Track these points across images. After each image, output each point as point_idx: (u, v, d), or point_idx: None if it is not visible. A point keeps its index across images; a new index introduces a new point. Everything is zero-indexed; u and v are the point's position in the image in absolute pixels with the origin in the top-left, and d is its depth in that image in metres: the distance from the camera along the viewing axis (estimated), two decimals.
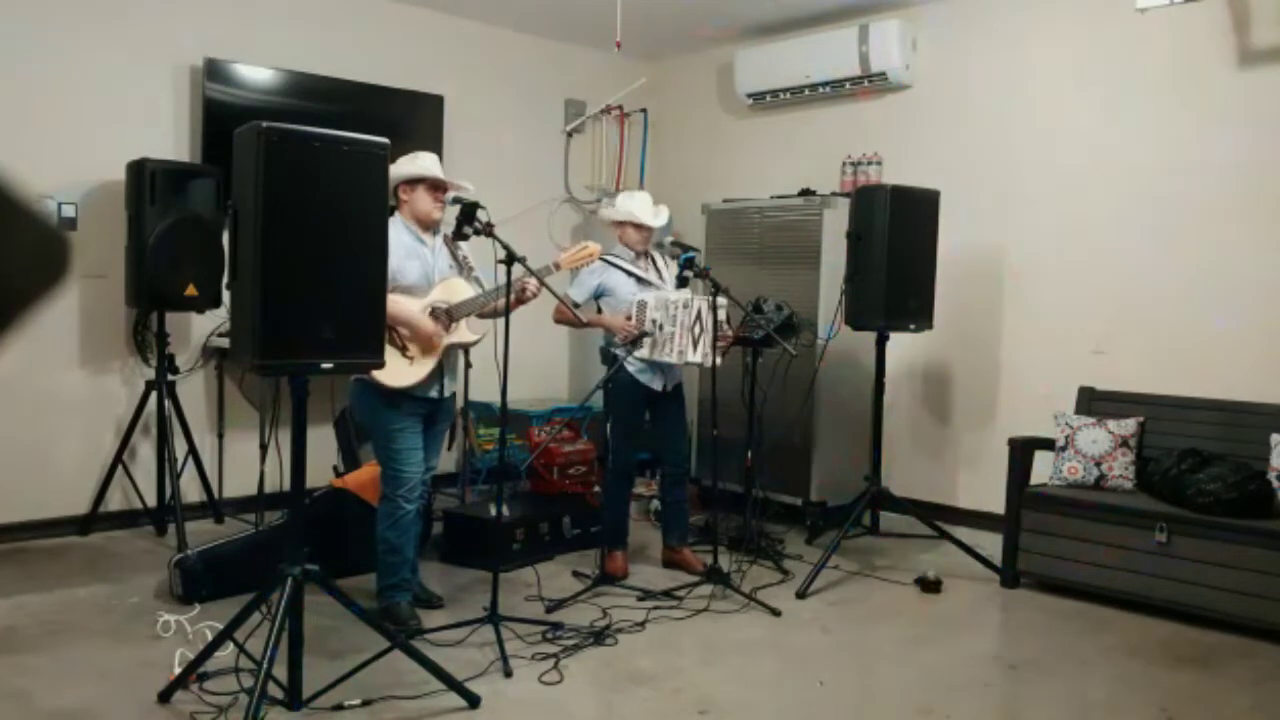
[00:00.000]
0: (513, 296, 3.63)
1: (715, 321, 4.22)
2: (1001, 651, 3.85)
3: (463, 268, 3.90)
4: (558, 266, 3.90)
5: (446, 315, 3.73)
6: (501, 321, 3.53)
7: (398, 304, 3.57)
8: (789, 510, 5.42)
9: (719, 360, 4.29)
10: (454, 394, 4.03)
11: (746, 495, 4.71)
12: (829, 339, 5.01)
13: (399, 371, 3.61)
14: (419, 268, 3.73)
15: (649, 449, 4.96)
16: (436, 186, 3.80)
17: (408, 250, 3.70)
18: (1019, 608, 4.28)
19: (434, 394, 3.80)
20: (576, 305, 4.38)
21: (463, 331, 3.81)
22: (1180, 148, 4.80)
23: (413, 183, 3.77)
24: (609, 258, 4.45)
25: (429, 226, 3.83)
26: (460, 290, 3.79)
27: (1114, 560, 4.17)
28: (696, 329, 4.23)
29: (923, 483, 5.64)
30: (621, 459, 4.49)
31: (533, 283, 3.71)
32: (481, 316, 3.87)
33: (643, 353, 4.27)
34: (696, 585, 4.26)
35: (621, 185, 6.87)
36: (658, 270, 4.56)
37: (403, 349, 3.66)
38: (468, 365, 4.67)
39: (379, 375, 3.57)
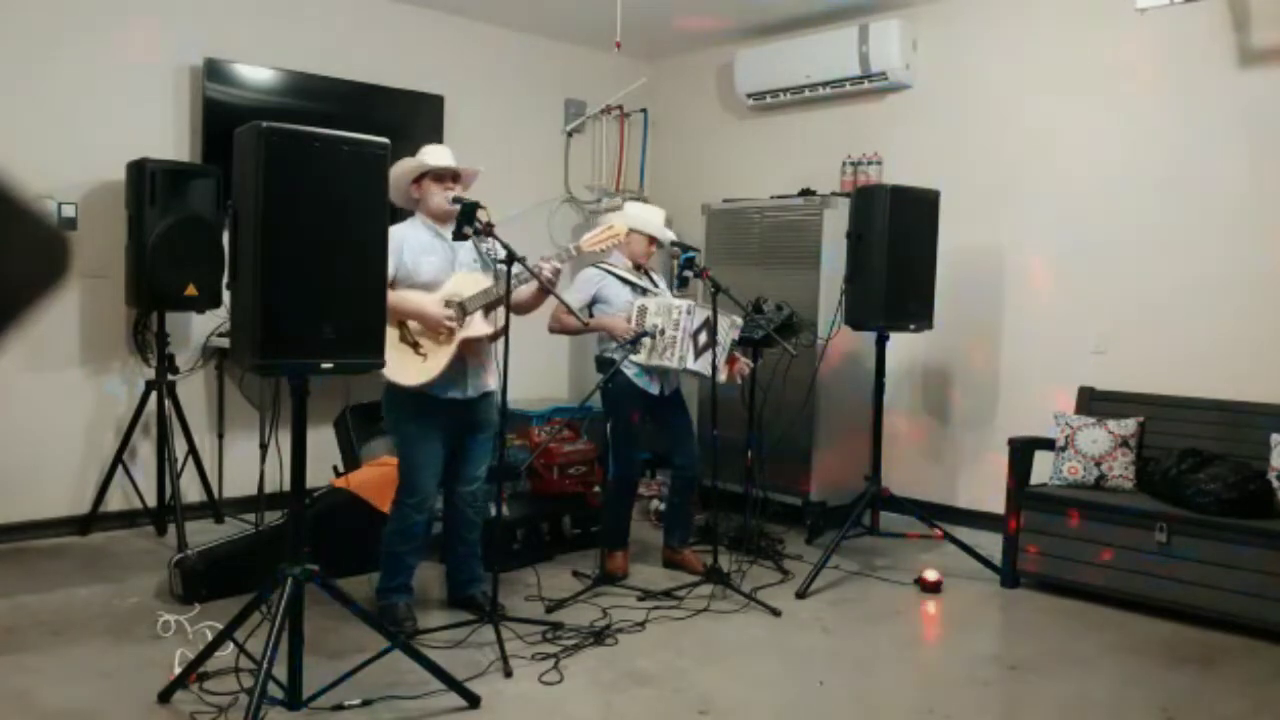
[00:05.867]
0: (534, 285, 3.59)
1: (717, 338, 4.22)
2: (1001, 651, 3.85)
3: (487, 264, 3.78)
4: (579, 250, 3.79)
5: (459, 308, 3.59)
6: (501, 322, 3.50)
7: (403, 297, 3.51)
8: (789, 510, 5.42)
9: (721, 379, 4.29)
10: (489, 394, 3.81)
11: (746, 495, 4.71)
12: (822, 351, 5.01)
13: (410, 369, 3.52)
14: (436, 263, 3.64)
15: (652, 449, 4.95)
16: (441, 177, 3.72)
17: (424, 246, 3.64)
18: (1019, 608, 4.28)
19: (457, 394, 3.67)
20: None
21: (476, 324, 3.66)
22: (1180, 148, 4.80)
23: (419, 178, 3.72)
24: (606, 266, 4.45)
25: (446, 220, 3.72)
26: (475, 283, 3.66)
27: (1114, 560, 4.17)
28: (701, 338, 4.22)
29: (923, 483, 5.64)
30: (625, 466, 4.46)
31: (549, 265, 3.61)
32: (517, 312, 3.72)
33: (639, 357, 4.25)
34: (696, 585, 4.25)
35: (621, 185, 6.87)
36: (653, 281, 4.56)
37: (414, 345, 3.56)
38: None
39: (390, 373, 3.51)
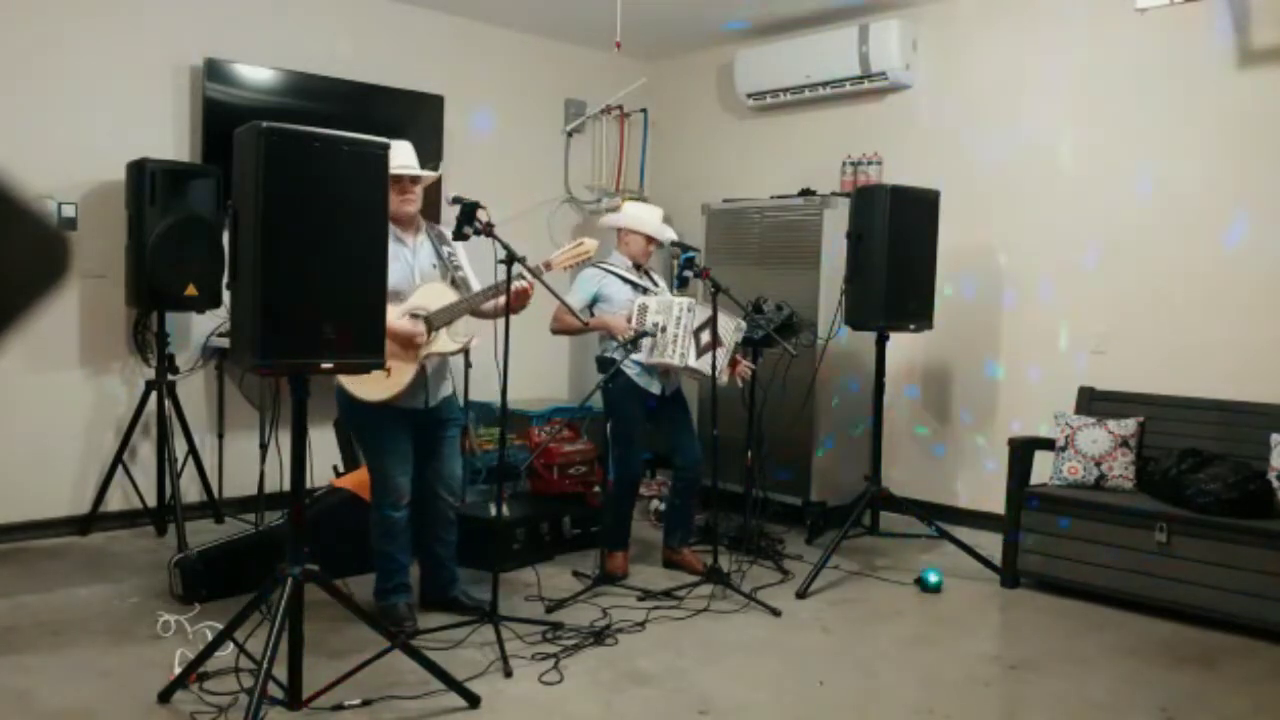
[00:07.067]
0: (501, 300, 3.49)
1: (721, 339, 4.21)
2: (1001, 651, 3.84)
3: (447, 267, 3.74)
4: (549, 266, 3.69)
5: (425, 323, 3.56)
6: (501, 322, 3.45)
7: None
8: (789, 510, 5.42)
9: (723, 381, 4.28)
10: (448, 399, 3.84)
11: (746, 495, 4.71)
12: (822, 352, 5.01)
13: (374, 384, 3.46)
14: (400, 269, 3.58)
15: (653, 449, 4.95)
16: (397, 180, 3.60)
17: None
18: (1019, 608, 4.28)
19: (419, 405, 3.67)
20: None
21: (442, 340, 3.62)
22: (1180, 147, 4.80)
23: None
24: (605, 265, 4.45)
25: (405, 223, 3.69)
26: (441, 295, 3.63)
27: (1114, 560, 4.17)
28: (703, 336, 4.22)
29: (923, 483, 5.64)
30: (626, 467, 4.45)
31: (520, 284, 3.50)
32: (479, 317, 3.75)
33: (640, 355, 4.25)
34: (696, 585, 4.25)
35: (621, 185, 6.87)
36: (653, 281, 4.56)
37: None
38: (467, 365, 4.66)
39: (353, 388, 3.53)
